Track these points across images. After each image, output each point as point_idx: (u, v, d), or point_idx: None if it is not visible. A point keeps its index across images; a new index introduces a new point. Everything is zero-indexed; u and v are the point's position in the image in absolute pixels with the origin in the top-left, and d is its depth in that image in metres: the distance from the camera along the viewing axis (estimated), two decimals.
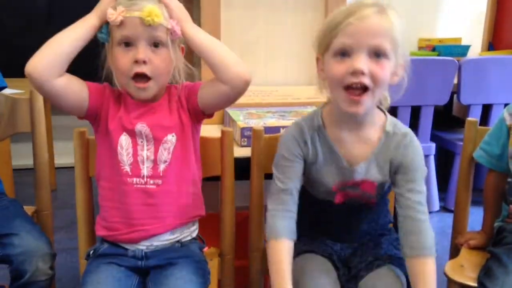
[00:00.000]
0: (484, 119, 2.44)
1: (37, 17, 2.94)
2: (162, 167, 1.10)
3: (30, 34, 2.89)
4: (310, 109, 1.60)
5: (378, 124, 1.09)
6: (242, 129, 1.42)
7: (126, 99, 1.12)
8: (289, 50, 2.13)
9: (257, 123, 1.42)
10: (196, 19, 2.45)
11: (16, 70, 2.81)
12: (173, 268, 1.09)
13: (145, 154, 1.10)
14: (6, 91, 1.45)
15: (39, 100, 1.41)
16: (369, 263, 1.10)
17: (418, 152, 1.09)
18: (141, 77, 1.05)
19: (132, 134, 1.10)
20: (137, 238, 1.11)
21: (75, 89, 1.07)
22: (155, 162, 1.10)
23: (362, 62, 0.96)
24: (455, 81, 2.39)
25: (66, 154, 2.88)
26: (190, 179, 1.15)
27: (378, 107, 1.10)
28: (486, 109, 2.47)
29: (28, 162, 1.47)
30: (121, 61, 1.05)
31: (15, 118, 1.42)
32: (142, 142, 1.10)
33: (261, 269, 1.30)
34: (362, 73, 0.96)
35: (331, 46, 1.00)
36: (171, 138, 1.11)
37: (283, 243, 1.05)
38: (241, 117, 1.50)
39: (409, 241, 1.04)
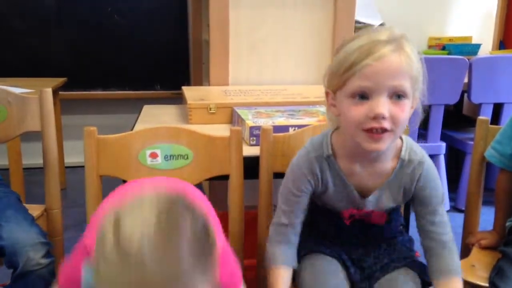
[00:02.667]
0: (495, 118, 2.42)
1: (46, 18, 2.95)
2: None
3: (40, 35, 2.87)
4: (319, 108, 1.59)
5: (393, 152, 1.04)
6: (251, 128, 1.42)
7: None
8: (297, 49, 2.12)
9: (266, 122, 1.42)
10: (205, 18, 2.45)
11: (26, 69, 2.85)
12: None
13: None
14: (16, 90, 1.46)
15: (49, 99, 1.41)
16: (385, 264, 1.09)
17: (435, 181, 1.06)
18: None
19: None
20: None
21: None
22: None
23: (383, 106, 0.91)
24: (466, 80, 2.37)
25: (75, 153, 2.91)
26: None
27: None
28: (497, 108, 2.45)
29: (38, 161, 1.48)
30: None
31: (25, 117, 1.42)
32: None
33: None
34: (383, 118, 0.92)
35: (346, 86, 0.95)
36: None
37: (282, 271, 1.06)
38: (249, 116, 1.50)
39: (436, 264, 1.04)
